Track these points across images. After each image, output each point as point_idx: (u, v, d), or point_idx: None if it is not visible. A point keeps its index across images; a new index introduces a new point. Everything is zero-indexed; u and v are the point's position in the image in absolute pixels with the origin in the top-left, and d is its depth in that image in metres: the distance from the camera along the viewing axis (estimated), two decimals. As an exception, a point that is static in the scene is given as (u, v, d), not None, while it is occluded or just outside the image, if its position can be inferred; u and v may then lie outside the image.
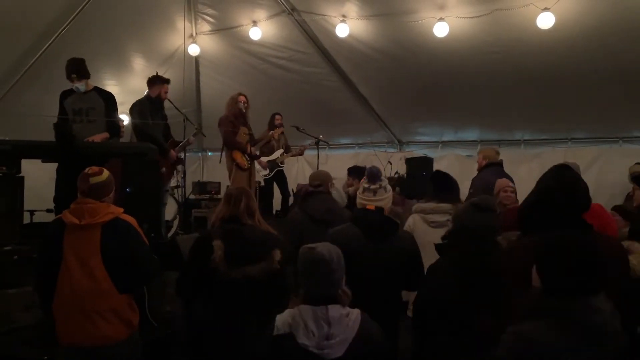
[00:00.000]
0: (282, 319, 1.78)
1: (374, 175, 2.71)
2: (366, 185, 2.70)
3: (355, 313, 1.80)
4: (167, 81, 5.22)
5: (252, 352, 1.93)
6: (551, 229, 1.80)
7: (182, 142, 5.29)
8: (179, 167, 5.51)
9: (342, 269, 1.83)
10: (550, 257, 1.60)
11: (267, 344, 1.77)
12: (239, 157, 5.58)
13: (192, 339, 2.54)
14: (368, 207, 2.66)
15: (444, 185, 3.46)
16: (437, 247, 2.44)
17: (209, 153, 9.02)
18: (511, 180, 4.21)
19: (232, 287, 2.37)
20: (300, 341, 1.70)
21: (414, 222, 3.40)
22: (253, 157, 5.72)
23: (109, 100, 4.40)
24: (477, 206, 2.44)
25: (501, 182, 3.97)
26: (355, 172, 6.02)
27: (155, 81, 5.16)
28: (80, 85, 4.30)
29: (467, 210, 2.45)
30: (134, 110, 4.98)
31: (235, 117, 5.55)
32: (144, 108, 4.95)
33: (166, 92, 5.18)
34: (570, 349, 1.48)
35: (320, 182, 3.46)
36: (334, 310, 1.75)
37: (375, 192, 2.67)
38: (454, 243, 2.37)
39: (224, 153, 5.68)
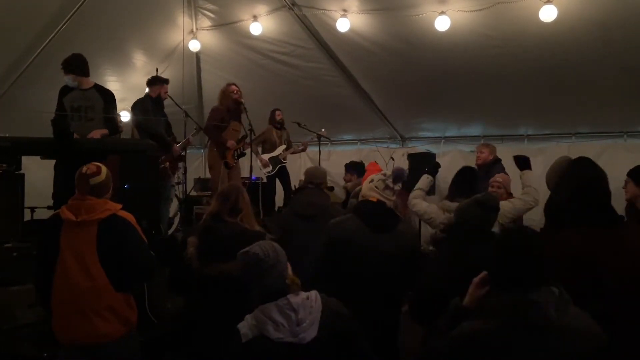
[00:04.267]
0: (246, 325, 1.78)
1: (401, 176, 2.74)
2: (390, 185, 2.68)
3: (314, 294, 1.84)
4: (166, 81, 5.23)
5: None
6: (588, 222, 1.79)
7: (182, 141, 5.29)
8: (180, 164, 5.50)
9: (283, 262, 1.85)
10: (496, 252, 1.63)
11: (239, 353, 1.76)
12: (229, 156, 5.47)
13: (181, 335, 2.55)
14: (371, 199, 2.65)
15: (461, 184, 3.36)
16: (433, 238, 2.45)
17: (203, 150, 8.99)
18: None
19: (207, 283, 2.38)
20: (274, 337, 1.71)
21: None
22: (240, 155, 5.60)
23: (109, 99, 4.38)
24: (481, 203, 2.44)
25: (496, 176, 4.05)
26: (353, 168, 6.02)
27: (154, 82, 5.18)
28: (67, 79, 4.28)
29: (471, 206, 2.46)
30: (136, 108, 5.01)
31: (227, 111, 5.45)
32: (146, 105, 4.97)
33: (166, 92, 5.19)
34: (508, 343, 1.48)
35: (321, 181, 3.48)
36: (294, 297, 1.79)
37: (394, 192, 2.71)
38: (453, 236, 2.37)
39: (208, 145, 5.59)
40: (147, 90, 5.27)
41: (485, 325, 1.53)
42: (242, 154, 5.65)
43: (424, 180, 3.63)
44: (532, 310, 1.48)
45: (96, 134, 4.18)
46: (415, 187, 3.60)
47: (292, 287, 1.83)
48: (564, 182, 2.09)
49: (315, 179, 3.49)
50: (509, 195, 3.87)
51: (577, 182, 2.01)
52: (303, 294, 1.82)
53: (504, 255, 1.58)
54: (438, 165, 3.86)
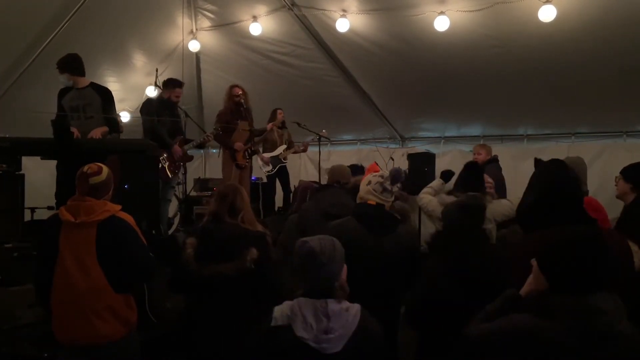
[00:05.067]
0: (281, 311, 1.74)
1: (399, 177, 2.69)
2: (388, 187, 2.65)
3: (356, 308, 1.76)
4: (179, 85, 5.34)
5: (241, 345, 1.89)
6: (555, 226, 1.77)
7: (192, 140, 5.36)
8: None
9: (338, 263, 1.78)
10: (554, 253, 1.55)
11: (264, 334, 1.73)
12: (240, 157, 5.57)
13: (183, 335, 2.55)
14: (369, 202, 2.65)
15: (469, 178, 3.39)
16: (429, 245, 2.45)
17: (212, 150, 9.02)
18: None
19: (205, 284, 2.37)
20: (299, 334, 1.67)
21: None
22: (251, 154, 5.69)
23: (106, 96, 4.40)
24: (463, 207, 2.44)
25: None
26: (352, 170, 6.05)
27: (167, 84, 5.33)
28: (62, 78, 4.30)
29: (453, 210, 2.47)
30: (142, 109, 5.20)
31: (231, 113, 5.54)
32: (150, 107, 5.13)
33: (177, 96, 5.31)
34: (569, 348, 1.44)
35: (347, 181, 3.50)
36: (334, 304, 1.71)
37: (392, 194, 2.68)
38: (443, 242, 2.37)
39: (220, 148, 5.74)
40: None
41: (545, 323, 1.47)
42: (253, 152, 5.71)
43: (437, 181, 3.79)
44: (597, 317, 1.42)
45: (97, 132, 4.18)
46: (427, 186, 3.76)
47: (338, 292, 1.76)
48: (531, 185, 2.10)
49: (342, 178, 3.49)
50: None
51: (540, 184, 2.01)
52: (344, 304, 1.74)
53: (571, 256, 1.49)
54: (452, 173, 3.85)
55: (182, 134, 5.36)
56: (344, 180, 3.51)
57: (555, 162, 2.10)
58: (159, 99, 5.31)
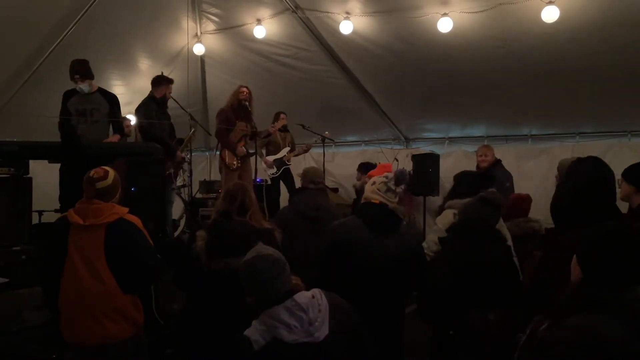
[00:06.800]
0: (256, 331, 1.73)
1: (403, 178, 2.68)
2: (392, 187, 2.65)
3: (318, 292, 1.85)
4: (171, 81, 5.26)
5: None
6: (593, 222, 1.77)
7: (184, 142, 5.35)
8: (185, 166, 5.54)
9: (283, 264, 1.83)
10: (597, 247, 1.52)
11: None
12: (227, 156, 5.55)
13: (182, 331, 2.56)
14: (373, 201, 2.66)
15: (463, 183, 3.38)
16: (440, 240, 2.45)
17: (217, 152, 9.04)
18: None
19: (214, 278, 2.39)
20: (288, 340, 1.69)
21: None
22: (247, 155, 5.64)
23: (113, 102, 4.46)
24: (485, 200, 2.44)
25: None
26: (364, 168, 6.09)
27: (160, 82, 5.19)
28: (84, 86, 4.35)
29: (476, 203, 2.46)
30: (140, 111, 5.06)
31: (232, 111, 5.53)
32: (150, 109, 5.01)
33: (170, 92, 5.21)
34: (633, 341, 1.37)
35: (321, 181, 3.52)
36: (301, 297, 1.77)
37: (396, 194, 2.68)
38: (457, 235, 2.37)
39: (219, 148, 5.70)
40: (149, 90, 5.27)
41: (602, 319, 1.41)
42: (251, 153, 5.68)
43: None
44: None
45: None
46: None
47: (298, 286, 1.84)
48: (566, 182, 2.10)
49: (318, 178, 3.53)
50: None
51: (577, 182, 2.02)
52: (307, 293, 1.82)
53: (611, 249, 1.47)
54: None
55: (175, 136, 5.36)
56: (319, 180, 3.54)
57: (587, 160, 2.11)
58: (154, 100, 5.09)
